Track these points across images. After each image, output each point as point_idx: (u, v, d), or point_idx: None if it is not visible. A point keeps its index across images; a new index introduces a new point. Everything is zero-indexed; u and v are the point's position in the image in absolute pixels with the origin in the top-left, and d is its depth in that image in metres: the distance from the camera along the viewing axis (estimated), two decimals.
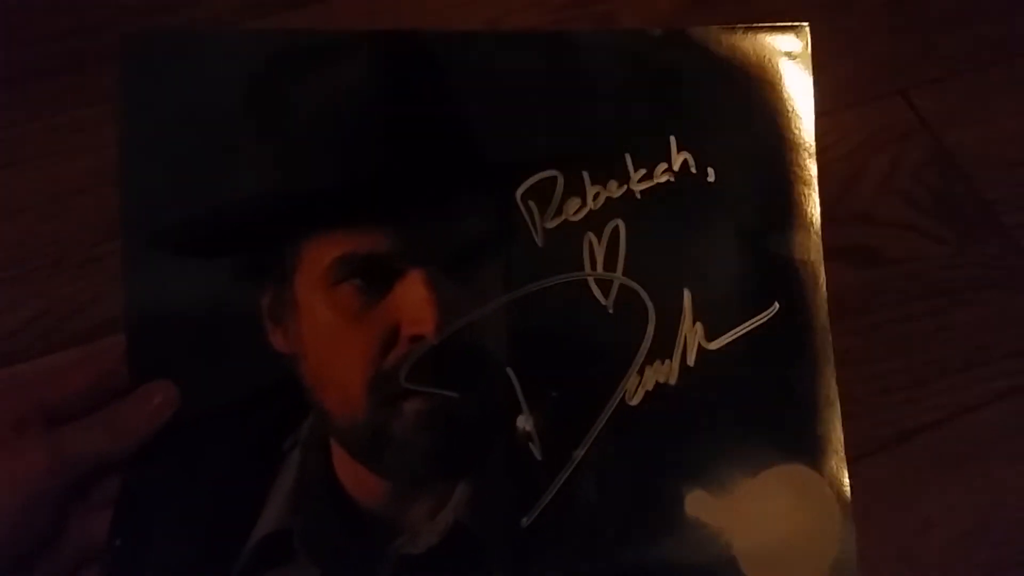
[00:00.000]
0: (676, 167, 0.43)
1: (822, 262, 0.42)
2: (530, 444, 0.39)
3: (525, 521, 0.39)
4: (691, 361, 0.41)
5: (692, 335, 0.41)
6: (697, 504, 0.39)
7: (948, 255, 0.52)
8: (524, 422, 0.40)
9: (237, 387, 0.41)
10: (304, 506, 0.39)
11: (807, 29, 0.45)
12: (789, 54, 0.45)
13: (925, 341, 0.49)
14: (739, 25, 0.45)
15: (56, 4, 0.59)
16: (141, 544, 0.39)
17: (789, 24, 0.45)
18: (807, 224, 0.43)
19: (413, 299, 0.40)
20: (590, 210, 0.42)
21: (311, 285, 0.40)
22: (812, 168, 0.44)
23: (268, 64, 0.42)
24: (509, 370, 0.40)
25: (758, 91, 0.44)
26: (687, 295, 0.41)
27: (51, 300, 0.49)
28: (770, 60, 0.45)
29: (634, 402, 0.40)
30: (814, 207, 0.43)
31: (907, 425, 0.46)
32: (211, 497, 0.40)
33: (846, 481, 0.39)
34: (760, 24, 0.45)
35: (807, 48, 0.45)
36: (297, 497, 0.39)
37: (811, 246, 0.43)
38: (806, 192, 0.44)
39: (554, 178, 0.42)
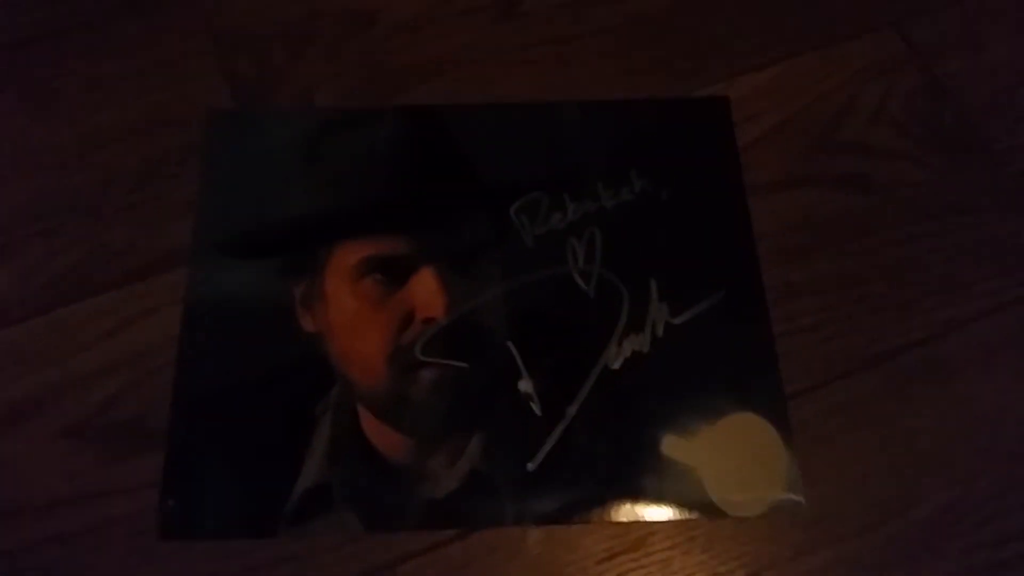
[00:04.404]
0: (636, 190, 0.53)
1: (758, 257, 0.51)
2: (531, 403, 0.47)
3: (530, 466, 0.45)
4: (660, 333, 0.49)
5: (659, 313, 0.49)
6: (671, 446, 0.46)
7: (937, 181, 0.54)
8: (525, 385, 0.47)
9: (272, 360, 0.48)
10: (339, 462, 0.45)
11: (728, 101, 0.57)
12: (714, 115, 0.56)
13: (915, 263, 0.51)
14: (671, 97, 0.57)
15: None
16: (192, 503, 0.44)
17: (712, 97, 0.57)
18: (742, 227, 0.52)
19: (426, 289, 0.48)
20: (570, 221, 0.52)
21: (338, 278, 0.48)
22: (740, 185, 0.54)
23: (319, 129, 0.54)
24: (509, 343, 0.48)
25: (695, 135, 0.56)
26: (653, 283, 0.50)
27: (91, 247, 0.51)
28: (700, 120, 0.57)
29: (615, 366, 0.48)
30: (746, 214, 0.53)
31: (895, 343, 0.49)
32: (254, 457, 0.46)
33: (786, 422, 0.47)
34: (692, 96, 0.57)
35: (728, 113, 0.56)
36: (332, 454, 0.45)
37: (747, 244, 0.52)
38: (739, 205, 0.53)
39: (540, 198, 0.52)
